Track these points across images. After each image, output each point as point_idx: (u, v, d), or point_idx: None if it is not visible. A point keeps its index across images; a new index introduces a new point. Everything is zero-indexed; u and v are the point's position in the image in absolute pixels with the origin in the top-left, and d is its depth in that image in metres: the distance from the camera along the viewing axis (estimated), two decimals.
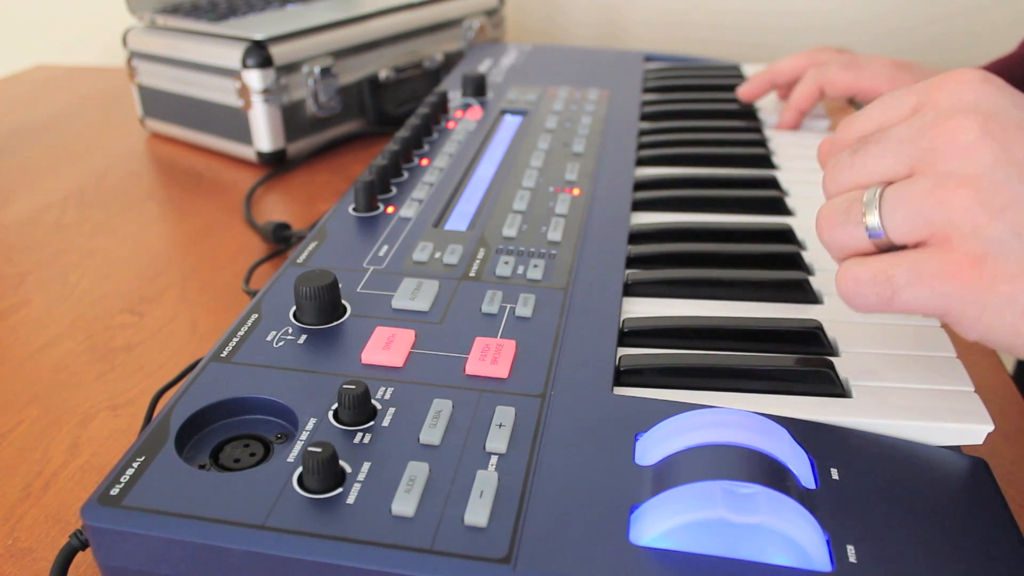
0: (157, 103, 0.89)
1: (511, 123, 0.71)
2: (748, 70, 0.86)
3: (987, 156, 0.33)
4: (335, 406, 0.36)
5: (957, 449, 0.36)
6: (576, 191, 0.57)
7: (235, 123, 0.81)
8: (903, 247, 0.35)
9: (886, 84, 0.67)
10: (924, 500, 0.33)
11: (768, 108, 0.77)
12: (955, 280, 0.32)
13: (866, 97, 0.69)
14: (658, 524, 0.30)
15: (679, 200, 0.58)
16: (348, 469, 0.33)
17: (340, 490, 0.32)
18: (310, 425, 0.35)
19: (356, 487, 0.32)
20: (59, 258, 0.67)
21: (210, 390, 0.38)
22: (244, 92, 0.79)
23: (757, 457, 0.32)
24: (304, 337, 0.41)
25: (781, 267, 0.50)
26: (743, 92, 0.76)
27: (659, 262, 0.50)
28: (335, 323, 0.43)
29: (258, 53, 0.77)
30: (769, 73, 0.75)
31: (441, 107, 0.72)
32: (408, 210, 0.55)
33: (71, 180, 0.81)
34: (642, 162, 0.65)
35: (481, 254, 0.49)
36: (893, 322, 0.45)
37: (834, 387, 0.39)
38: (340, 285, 0.43)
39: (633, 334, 0.43)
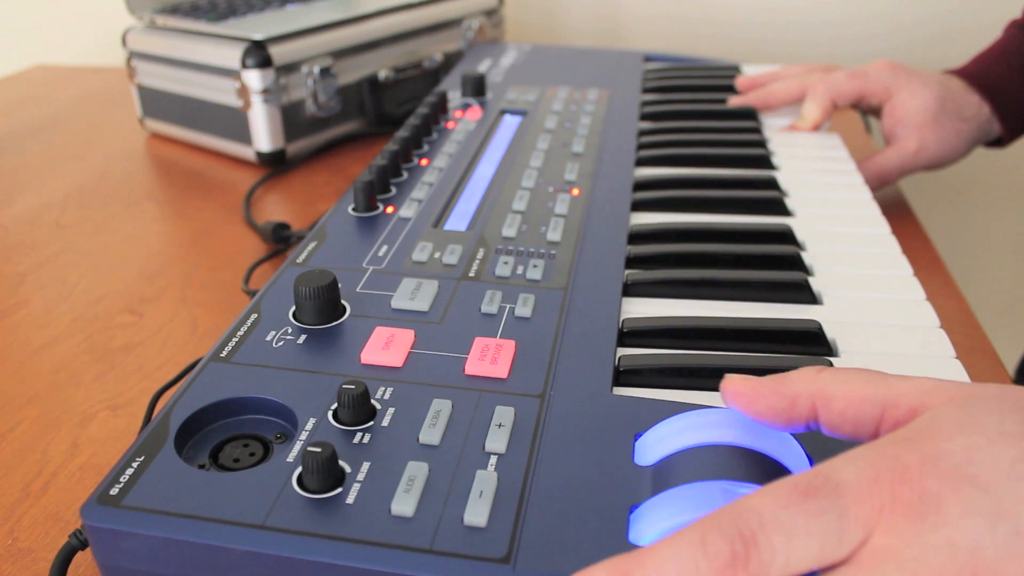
0: (156, 103, 0.89)
1: (510, 123, 0.71)
2: (748, 70, 0.86)
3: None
4: (335, 406, 0.36)
5: None
6: (575, 191, 0.57)
7: (234, 123, 0.81)
8: None
9: (890, 82, 0.70)
10: None
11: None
12: None
13: (874, 95, 0.70)
14: (657, 524, 0.30)
15: (678, 200, 0.58)
16: (348, 469, 0.33)
17: (339, 490, 0.32)
18: (309, 425, 0.35)
19: (355, 487, 0.32)
20: (59, 258, 0.67)
21: (210, 390, 0.38)
22: (243, 92, 0.79)
23: (756, 457, 0.32)
24: (304, 337, 0.41)
25: (780, 268, 0.50)
26: (734, 101, 0.76)
27: (658, 262, 0.50)
28: (335, 323, 0.43)
29: (257, 53, 0.77)
30: (764, 95, 0.75)
31: (441, 107, 0.72)
32: (408, 210, 0.55)
33: (71, 180, 0.81)
34: (641, 162, 0.65)
35: (480, 254, 0.49)
36: (893, 323, 0.45)
37: None
38: (339, 285, 0.43)
39: (632, 334, 0.43)
